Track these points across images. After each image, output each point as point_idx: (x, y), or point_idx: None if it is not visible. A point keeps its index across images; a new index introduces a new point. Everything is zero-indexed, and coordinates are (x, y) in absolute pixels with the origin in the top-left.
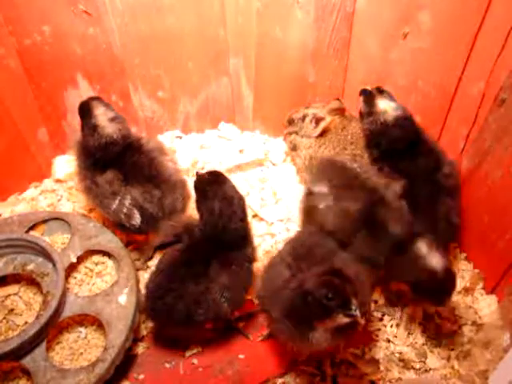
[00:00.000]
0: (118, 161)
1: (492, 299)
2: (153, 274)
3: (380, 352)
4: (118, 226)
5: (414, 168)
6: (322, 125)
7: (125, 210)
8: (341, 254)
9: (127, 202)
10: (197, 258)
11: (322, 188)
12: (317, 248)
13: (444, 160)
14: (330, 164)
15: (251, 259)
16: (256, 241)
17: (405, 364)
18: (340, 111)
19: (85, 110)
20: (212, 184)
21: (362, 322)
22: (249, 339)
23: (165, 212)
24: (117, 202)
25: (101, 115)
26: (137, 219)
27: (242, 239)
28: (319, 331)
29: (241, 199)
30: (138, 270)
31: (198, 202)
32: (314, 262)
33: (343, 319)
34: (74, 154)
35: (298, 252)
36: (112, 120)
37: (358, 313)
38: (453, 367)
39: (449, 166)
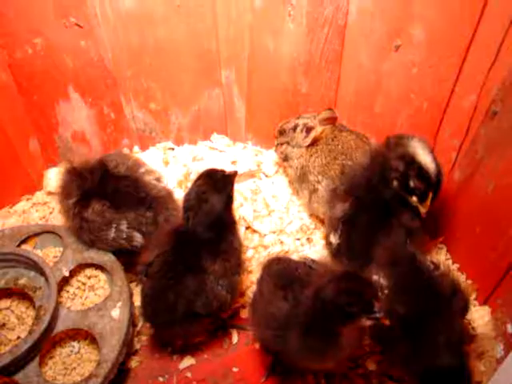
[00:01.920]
0: (97, 191)
1: (485, 310)
2: (146, 280)
3: (374, 364)
4: (116, 252)
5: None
6: (313, 134)
7: (124, 235)
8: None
9: (124, 226)
10: (186, 252)
11: (380, 278)
12: (295, 270)
13: None
14: (396, 251)
15: (239, 248)
16: (249, 253)
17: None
18: (332, 120)
19: None
20: (214, 180)
21: (387, 322)
22: (247, 330)
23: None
24: (113, 230)
25: None
26: (138, 239)
27: (217, 236)
28: (346, 335)
29: (219, 212)
30: (131, 281)
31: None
32: (303, 283)
33: (367, 322)
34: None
35: (282, 282)
36: None
37: (381, 314)
38: None
39: None
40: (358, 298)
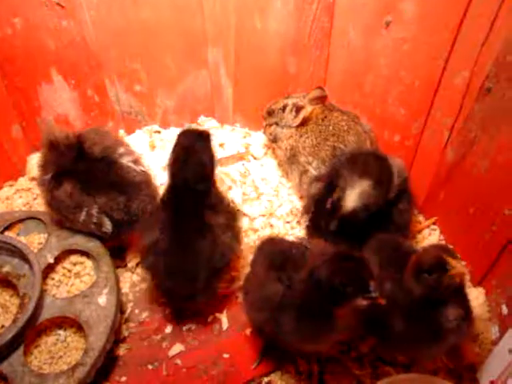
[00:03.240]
0: (71, 170)
1: (479, 292)
2: (151, 255)
3: (367, 348)
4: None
5: None
6: (303, 113)
7: (94, 220)
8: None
9: (95, 211)
10: (186, 214)
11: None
12: (290, 250)
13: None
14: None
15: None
16: None
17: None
18: (322, 99)
19: None
20: (192, 140)
21: (383, 302)
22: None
23: (132, 216)
24: (84, 213)
25: None
26: (108, 226)
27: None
28: (342, 317)
29: (204, 164)
30: (117, 267)
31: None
32: (297, 263)
33: (363, 302)
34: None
35: (278, 263)
36: None
37: (377, 294)
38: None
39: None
40: (352, 278)
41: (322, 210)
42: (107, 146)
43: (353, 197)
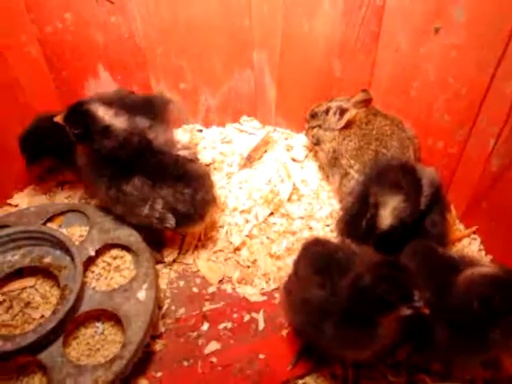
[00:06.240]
0: (141, 164)
1: None
2: None
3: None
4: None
5: None
6: (347, 116)
7: (157, 215)
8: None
9: (159, 206)
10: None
11: None
12: (336, 254)
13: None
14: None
15: None
16: (277, 238)
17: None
18: (366, 103)
19: (85, 116)
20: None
21: (427, 311)
22: None
23: (197, 208)
24: (147, 207)
25: (106, 115)
26: (171, 221)
27: None
28: (385, 325)
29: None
30: (157, 262)
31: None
32: (342, 268)
33: (406, 311)
34: (85, 169)
35: (322, 266)
36: (116, 115)
37: (421, 303)
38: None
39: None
40: (396, 286)
41: (355, 223)
42: (169, 139)
43: (387, 215)
